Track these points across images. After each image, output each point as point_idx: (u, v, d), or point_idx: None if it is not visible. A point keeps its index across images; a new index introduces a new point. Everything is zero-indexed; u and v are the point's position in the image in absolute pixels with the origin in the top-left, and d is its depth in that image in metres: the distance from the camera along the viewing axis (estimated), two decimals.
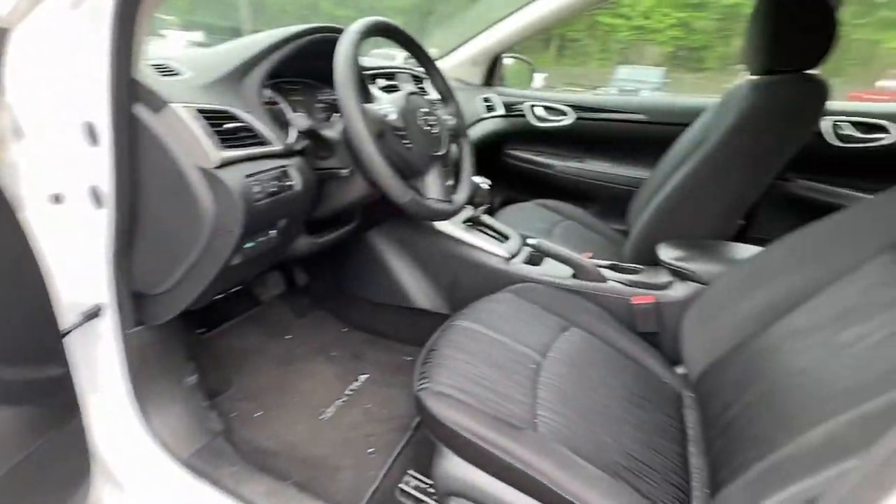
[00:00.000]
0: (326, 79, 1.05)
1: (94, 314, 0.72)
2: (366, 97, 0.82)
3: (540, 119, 1.88)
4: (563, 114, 1.84)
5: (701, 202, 1.17)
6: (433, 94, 1.13)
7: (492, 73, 1.91)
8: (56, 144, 0.67)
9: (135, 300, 0.75)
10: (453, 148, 1.17)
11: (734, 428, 0.72)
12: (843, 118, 1.47)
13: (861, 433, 0.47)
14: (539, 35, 1.70)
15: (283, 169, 0.78)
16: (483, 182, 1.17)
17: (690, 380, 0.92)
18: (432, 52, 1.04)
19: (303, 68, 0.97)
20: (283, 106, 0.92)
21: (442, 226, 1.22)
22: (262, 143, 0.77)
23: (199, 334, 1.25)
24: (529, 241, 1.18)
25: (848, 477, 0.41)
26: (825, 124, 1.50)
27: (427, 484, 0.99)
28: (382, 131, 0.76)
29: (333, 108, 1.08)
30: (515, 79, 2.05)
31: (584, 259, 1.16)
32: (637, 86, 11.54)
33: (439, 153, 0.86)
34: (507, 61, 1.97)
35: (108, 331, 0.75)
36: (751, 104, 1.07)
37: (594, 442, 0.72)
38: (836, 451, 0.47)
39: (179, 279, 0.72)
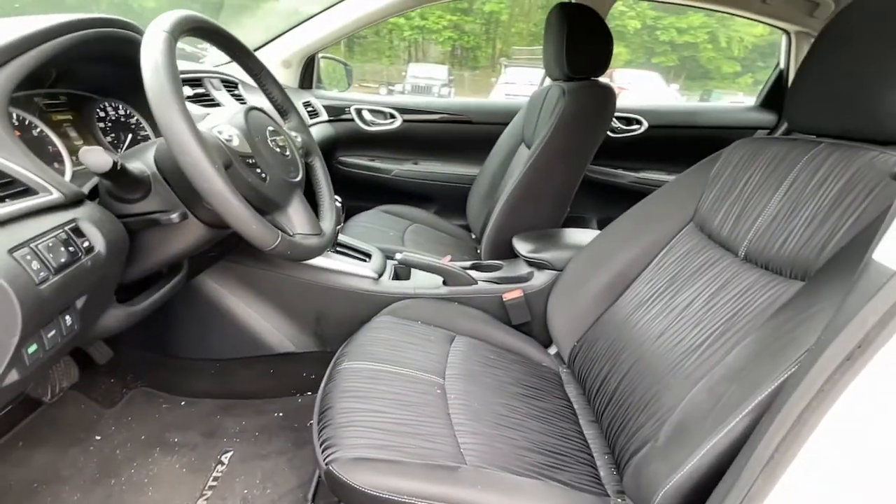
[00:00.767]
0: (104, 89, 0.78)
1: None
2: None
3: (369, 123, 1.81)
4: (392, 117, 1.81)
5: (537, 198, 1.30)
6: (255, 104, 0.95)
7: (307, 74, 1.74)
8: None
9: None
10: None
11: (619, 396, 0.81)
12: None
13: (735, 392, 0.57)
14: (355, 33, 1.61)
15: (71, 225, 0.53)
16: (335, 200, 1.06)
17: (563, 357, 1.01)
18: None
19: (68, 75, 0.68)
20: (44, 130, 0.63)
21: None
22: (27, 191, 0.51)
23: None
24: (397, 255, 1.12)
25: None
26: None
27: None
28: (229, 161, 0.58)
29: (122, 127, 0.80)
30: (331, 80, 1.92)
31: (451, 264, 1.17)
32: (428, 82, 12.38)
33: (297, 178, 0.72)
34: (324, 62, 1.82)
35: None
36: (562, 109, 1.22)
37: (514, 452, 0.74)
38: (722, 412, 0.56)
39: None
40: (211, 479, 0.92)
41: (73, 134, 0.68)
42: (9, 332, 0.43)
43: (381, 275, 1.13)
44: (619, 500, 0.71)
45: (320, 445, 0.69)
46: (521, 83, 9.16)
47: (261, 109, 0.71)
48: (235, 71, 1.28)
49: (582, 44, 1.24)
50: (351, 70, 1.94)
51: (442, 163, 1.90)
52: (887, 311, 0.36)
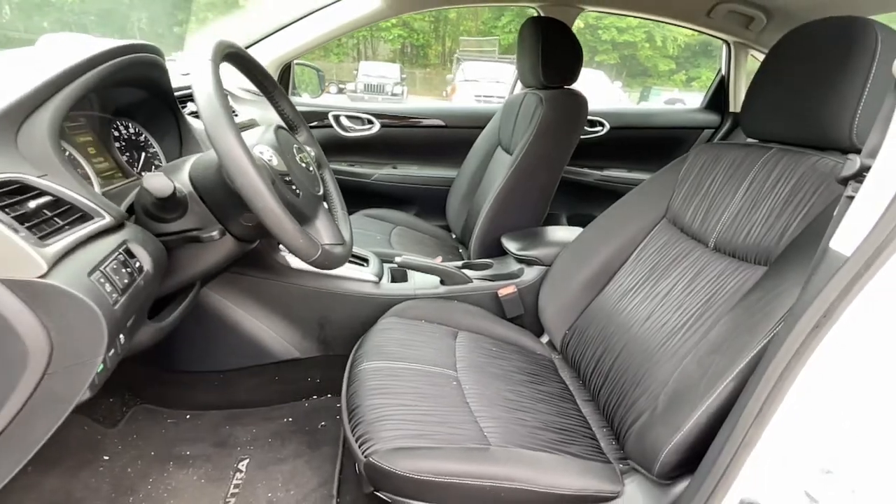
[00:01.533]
0: (116, 109, 0.78)
1: None
2: None
3: (347, 129, 1.83)
4: (370, 122, 1.84)
5: (521, 199, 1.39)
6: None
7: (282, 82, 1.74)
8: None
9: None
10: None
11: (613, 375, 0.91)
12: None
13: (721, 361, 0.68)
14: (329, 42, 1.63)
15: (124, 247, 0.55)
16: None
17: (554, 345, 1.11)
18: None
19: (88, 98, 0.69)
20: (72, 153, 0.64)
21: (298, 264, 1.09)
22: (85, 217, 0.53)
23: None
24: (396, 259, 1.18)
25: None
26: None
27: None
28: (272, 180, 0.62)
29: (134, 146, 0.81)
30: (302, 86, 1.93)
31: (446, 264, 1.24)
32: (381, 80, 12.27)
33: (321, 192, 0.76)
34: (298, 68, 1.83)
35: None
36: (540, 117, 1.32)
37: (529, 431, 0.82)
38: (711, 379, 0.67)
39: None
40: (232, 486, 0.94)
41: (95, 155, 0.69)
42: (96, 351, 0.46)
43: (380, 278, 1.18)
44: (621, 465, 0.81)
45: (356, 441, 0.74)
46: (485, 80, 8.71)
47: (283, 127, 0.75)
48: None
49: (556, 55, 1.34)
50: (323, 76, 1.95)
51: (420, 166, 1.96)
52: (843, 287, 0.47)
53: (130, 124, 0.80)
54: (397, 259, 1.18)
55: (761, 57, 1.83)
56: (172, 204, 0.62)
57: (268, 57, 1.60)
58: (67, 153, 0.64)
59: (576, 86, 1.43)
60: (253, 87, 1.66)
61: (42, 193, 0.49)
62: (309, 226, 0.73)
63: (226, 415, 1.13)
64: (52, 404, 0.47)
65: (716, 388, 0.65)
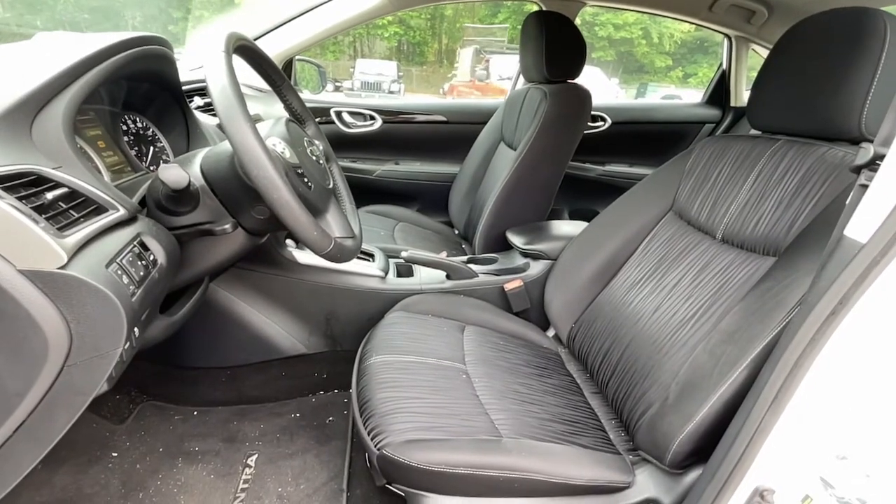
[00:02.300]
0: (123, 103, 0.78)
1: None
2: None
3: (349, 125, 1.83)
4: (372, 119, 1.84)
5: (526, 194, 1.39)
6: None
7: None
8: None
9: None
10: None
11: (622, 368, 0.92)
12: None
13: (733, 350, 0.68)
14: (330, 39, 1.63)
15: (139, 240, 0.55)
16: None
17: (560, 338, 1.11)
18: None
19: (98, 92, 0.68)
20: (83, 146, 0.64)
21: (305, 259, 1.09)
22: (97, 209, 0.52)
23: None
24: (402, 254, 1.18)
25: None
26: None
27: None
28: (286, 172, 0.61)
29: (142, 140, 0.80)
30: (304, 82, 1.92)
31: (452, 259, 1.24)
32: (377, 78, 12.23)
33: (331, 185, 0.76)
34: (300, 64, 1.82)
35: None
36: (545, 112, 1.32)
37: (539, 423, 0.83)
38: (724, 368, 0.67)
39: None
40: (241, 481, 0.95)
41: (105, 149, 0.68)
42: (116, 342, 0.46)
43: (386, 273, 1.18)
44: (631, 456, 0.82)
45: (368, 434, 0.74)
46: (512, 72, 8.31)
47: (292, 120, 0.74)
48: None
49: (560, 49, 1.34)
50: (324, 71, 1.94)
51: (422, 162, 1.96)
52: (860, 274, 0.48)
53: (139, 118, 0.79)
54: (403, 254, 1.18)
55: (762, 51, 1.84)
56: (186, 197, 0.62)
57: (270, 53, 1.59)
58: (79, 146, 0.63)
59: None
60: (256, 83, 1.66)
61: (58, 185, 0.48)
62: (320, 218, 0.73)
63: (234, 410, 1.13)
64: (72, 397, 0.47)
65: (728, 376, 0.65)
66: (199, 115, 0.88)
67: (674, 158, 1.06)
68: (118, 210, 0.54)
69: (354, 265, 1.14)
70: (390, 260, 1.26)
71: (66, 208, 0.49)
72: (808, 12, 0.79)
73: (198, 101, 0.92)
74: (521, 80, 1.87)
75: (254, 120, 0.56)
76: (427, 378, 0.86)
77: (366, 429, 0.76)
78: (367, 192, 1.87)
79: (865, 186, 0.51)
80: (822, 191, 0.73)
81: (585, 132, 1.99)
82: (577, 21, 1.71)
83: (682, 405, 0.71)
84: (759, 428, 0.54)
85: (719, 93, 1.99)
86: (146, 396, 1.13)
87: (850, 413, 0.51)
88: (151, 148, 0.80)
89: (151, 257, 0.56)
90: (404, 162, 1.95)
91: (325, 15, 1.54)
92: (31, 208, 0.43)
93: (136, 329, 0.56)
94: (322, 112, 1.82)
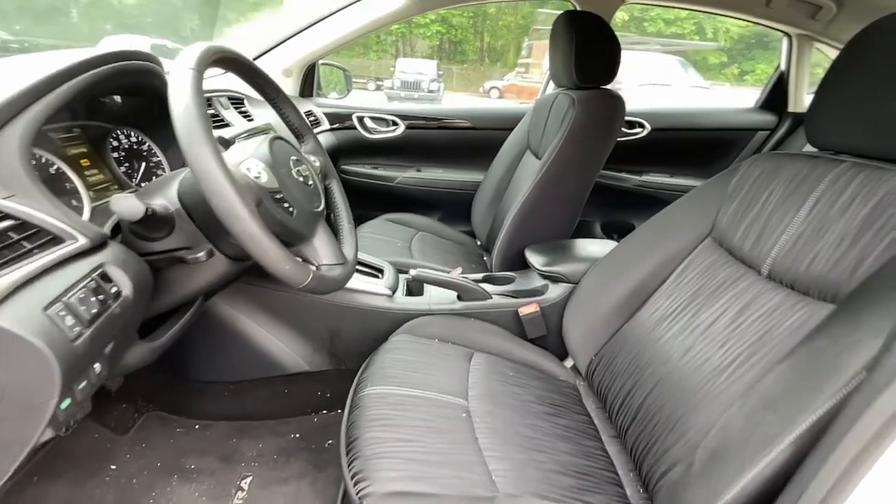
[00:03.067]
0: (115, 117, 0.75)
1: None
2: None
3: (371, 131, 1.79)
4: (395, 124, 1.79)
5: (549, 208, 1.29)
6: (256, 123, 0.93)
7: (307, 83, 1.71)
8: None
9: None
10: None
11: (644, 414, 0.81)
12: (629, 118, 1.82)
13: (774, 421, 0.57)
14: (356, 41, 1.58)
15: (99, 271, 0.51)
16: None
17: (580, 370, 1.01)
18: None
19: (77, 105, 0.66)
20: (61, 167, 0.61)
21: None
22: (54, 240, 0.49)
23: None
24: (411, 272, 1.11)
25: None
26: None
27: None
28: (259, 200, 0.56)
29: (135, 155, 0.78)
30: (330, 85, 1.89)
31: (463, 277, 1.16)
32: (417, 77, 12.28)
33: (319, 208, 0.70)
34: (324, 68, 1.80)
35: None
36: (572, 119, 1.21)
37: (544, 476, 0.74)
38: (762, 442, 0.56)
39: None
40: None
41: (88, 168, 0.66)
42: (47, 395, 0.42)
43: (394, 291, 1.12)
44: None
45: (351, 479, 0.68)
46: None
47: (281, 138, 0.69)
48: (237, 85, 1.26)
49: (591, 52, 1.23)
50: (350, 75, 1.91)
51: (445, 169, 1.89)
52: None
53: (133, 133, 0.77)
54: (412, 272, 1.12)
55: (828, 50, 1.64)
56: (157, 222, 0.58)
57: (293, 57, 1.57)
58: (55, 167, 0.61)
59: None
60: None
61: (6, 217, 0.45)
62: (305, 245, 0.67)
63: (234, 426, 1.10)
64: (7, 447, 0.43)
65: (766, 453, 0.54)
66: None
67: (716, 177, 0.94)
68: (77, 240, 0.50)
69: (360, 282, 1.08)
70: (401, 275, 1.20)
71: (16, 239, 0.45)
72: (888, 8, 0.66)
73: None
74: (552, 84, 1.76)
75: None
76: (423, 416, 0.79)
77: (350, 471, 0.70)
78: (387, 200, 1.83)
79: None
80: None
81: (621, 139, 1.86)
82: (624, 17, 1.58)
83: (709, 478, 0.60)
84: None
85: (776, 97, 1.79)
86: (152, 406, 1.13)
87: None
88: (144, 164, 0.77)
89: (113, 289, 0.52)
90: (427, 169, 1.89)
91: (349, 17, 1.50)
92: None
93: (96, 366, 0.53)
94: (345, 117, 1.78)
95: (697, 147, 1.86)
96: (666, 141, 1.84)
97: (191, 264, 0.62)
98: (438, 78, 12.73)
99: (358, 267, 1.16)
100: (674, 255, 0.91)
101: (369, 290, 1.08)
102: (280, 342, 1.10)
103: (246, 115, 1.18)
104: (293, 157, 0.67)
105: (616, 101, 1.25)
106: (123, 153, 0.75)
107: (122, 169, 0.74)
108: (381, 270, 1.17)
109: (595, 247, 1.20)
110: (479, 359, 0.98)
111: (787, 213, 0.75)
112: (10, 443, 0.43)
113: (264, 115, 1.25)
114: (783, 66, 1.74)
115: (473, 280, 1.23)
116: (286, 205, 0.61)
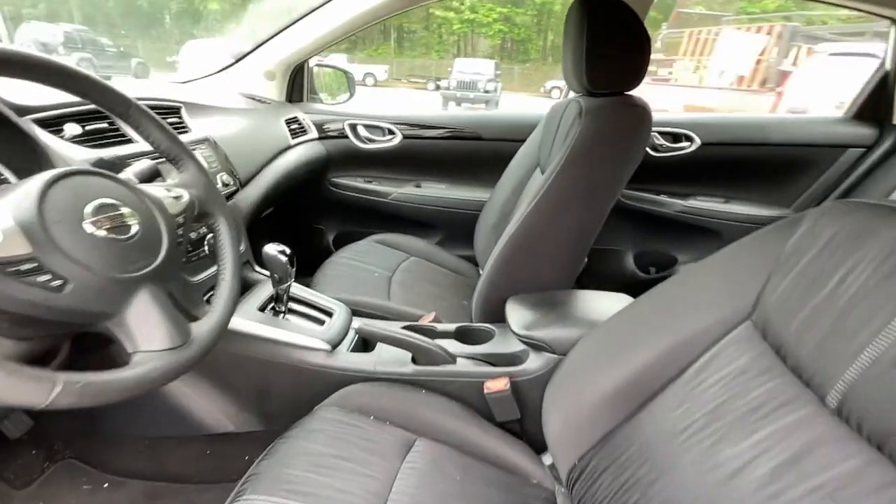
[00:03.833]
0: None
1: None
2: None
3: (364, 140, 1.59)
4: (391, 133, 1.58)
5: (543, 245, 1.00)
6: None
7: (294, 85, 1.55)
8: None
9: None
10: (203, 231, 0.82)
11: None
12: (655, 129, 1.50)
13: None
14: (358, 33, 1.39)
15: None
16: (278, 252, 0.85)
17: (559, 473, 0.74)
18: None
19: None
20: None
21: (231, 324, 0.86)
22: None
23: None
24: (353, 324, 0.90)
25: None
26: None
27: None
28: None
29: None
30: (331, 90, 1.72)
31: (431, 325, 0.93)
32: (474, 77, 12.10)
33: (146, 269, 0.50)
34: (319, 70, 1.63)
35: None
36: (577, 134, 0.93)
37: None
38: None
39: None
40: None
41: None
42: None
43: (337, 343, 0.91)
44: None
45: None
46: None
47: (90, 172, 0.50)
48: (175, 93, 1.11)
49: (606, 50, 0.93)
50: (352, 77, 1.73)
51: (447, 185, 1.65)
52: None
53: None
54: (354, 325, 0.90)
55: None
56: None
57: (274, 58, 1.41)
58: None
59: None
60: (256, 94, 1.49)
61: None
62: (111, 324, 0.48)
63: (147, 490, 0.94)
64: None
65: None
66: (47, 138, 0.69)
67: (766, 228, 0.64)
68: None
69: (294, 335, 0.88)
70: (357, 320, 0.99)
71: None
72: None
73: (71, 129, 0.73)
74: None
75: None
76: None
77: None
78: (380, 218, 1.62)
79: None
80: None
81: (663, 155, 1.52)
82: (694, 8, 1.25)
83: None
84: None
85: (876, 103, 1.38)
86: (69, 452, 1.00)
87: None
88: None
89: None
90: (427, 184, 1.66)
91: (332, 14, 1.31)
92: None
93: None
94: (335, 124, 1.60)
95: (763, 168, 1.48)
96: (720, 158, 1.48)
97: None
98: (496, 77, 12.43)
99: (301, 309, 0.96)
100: (694, 341, 0.62)
101: (302, 343, 0.88)
102: (200, 398, 0.92)
103: (181, 128, 1.02)
104: (98, 202, 0.48)
105: (638, 110, 0.95)
106: None
107: None
108: (330, 314, 0.97)
109: (600, 303, 0.91)
110: (421, 450, 0.74)
111: (878, 308, 0.45)
112: None
113: (245, 120, 1.08)
114: (889, 65, 1.33)
115: (444, 331, 0.99)
116: (46, 277, 0.42)
